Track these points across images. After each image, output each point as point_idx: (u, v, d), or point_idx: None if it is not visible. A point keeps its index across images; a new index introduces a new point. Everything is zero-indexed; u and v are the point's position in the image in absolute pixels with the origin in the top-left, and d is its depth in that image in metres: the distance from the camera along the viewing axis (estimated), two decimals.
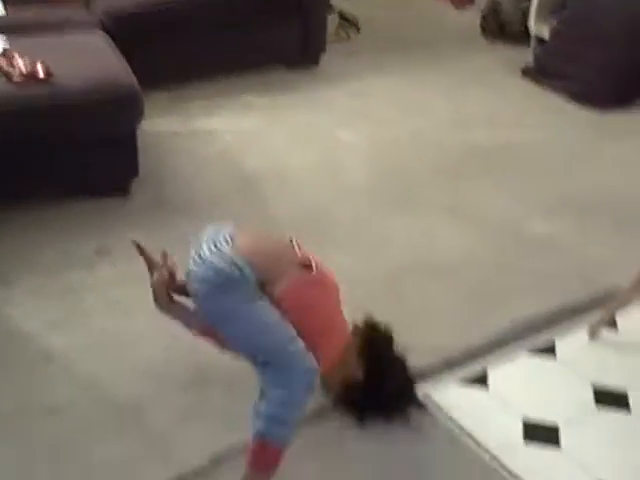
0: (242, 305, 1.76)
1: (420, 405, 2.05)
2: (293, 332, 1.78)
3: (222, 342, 1.90)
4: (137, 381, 2.14)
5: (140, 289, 2.44)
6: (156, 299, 1.92)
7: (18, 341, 2.26)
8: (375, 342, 2.03)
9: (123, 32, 3.42)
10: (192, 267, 1.82)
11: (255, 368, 1.79)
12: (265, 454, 1.74)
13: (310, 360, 1.77)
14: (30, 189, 2.84)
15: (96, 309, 2.40)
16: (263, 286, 1.80)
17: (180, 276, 1.93)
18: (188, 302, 1.92)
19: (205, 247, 1.82)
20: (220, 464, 1.90)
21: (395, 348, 2.05)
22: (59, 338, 2.27)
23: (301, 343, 1.77)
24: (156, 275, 1.92)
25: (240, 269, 1.76)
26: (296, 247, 1.92)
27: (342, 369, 1.95)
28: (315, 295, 1.88)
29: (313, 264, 1.87)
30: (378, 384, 1.98)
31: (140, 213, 2.88)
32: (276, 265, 1.84)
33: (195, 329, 1.94)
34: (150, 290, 1.92)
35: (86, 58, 2.96)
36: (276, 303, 1.79)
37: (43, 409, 2.03)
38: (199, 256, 1.81)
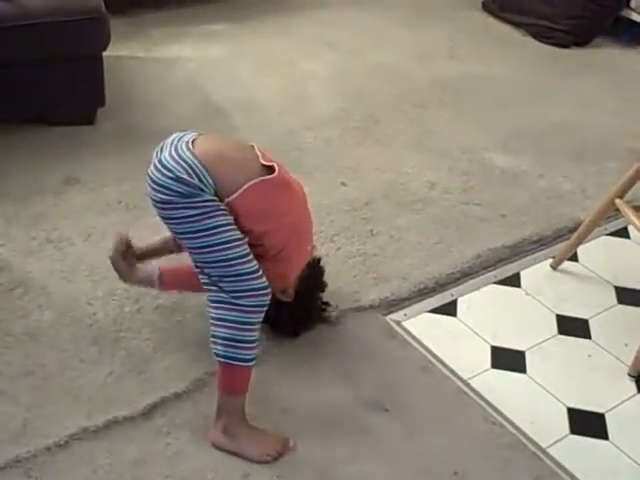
0: (198, 217, 1.73)
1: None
2: (247, 250, 1.76)
3: (190, 286, 1.95)
4: (115, 305, 2.16)
5: (112, 215, 2.48)
6: (116, 270, 1.98)
7: None
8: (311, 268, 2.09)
9: None
10: (152, 172, 1.78)
11: (207, 287, 1.80)
12: (231, 377, 1.80)
13: (262, 280, 1.78)
14: None
15: (70, 236, 2.39)
16: (223, 189, 1.76)
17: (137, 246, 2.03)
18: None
19: (166, 152, 1.78)
20: (201, 388, 1.95)
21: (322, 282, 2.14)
22: (35, 265, 2.27)
23: (254, 262, 1.77)
24: (112, 247, 1.97)
25: (198, 176, 1.72)
26: (258, 152, 1.88)
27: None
28: (279, 198, 1.86)
29: (275, 166, 1.84)
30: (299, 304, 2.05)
31: (107, 141, 2.86)
32: (238, 168, 1.80)
33: (160, 286, 1.98)
34: None
35: None
36: (236, 208, 1.77)
37: (23, 334, 2.04)
38: (159, 161, 1.77)
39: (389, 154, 2.94)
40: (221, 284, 1.77)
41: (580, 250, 2.49)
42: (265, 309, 1.81)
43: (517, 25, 4.03)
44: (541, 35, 3.93)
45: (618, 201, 2.25)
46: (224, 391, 1.82)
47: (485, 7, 4.20)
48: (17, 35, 2.62)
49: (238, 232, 1.77)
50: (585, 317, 2.28)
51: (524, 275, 2.42)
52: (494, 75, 3.59)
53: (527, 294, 2.35)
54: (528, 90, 3.49)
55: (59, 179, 2.63)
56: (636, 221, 2.17)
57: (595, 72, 3.68)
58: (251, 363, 1.80)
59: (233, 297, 1.76)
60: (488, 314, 2.27)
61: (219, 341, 1.77)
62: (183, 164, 1.74)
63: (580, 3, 3.87)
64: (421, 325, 2.20)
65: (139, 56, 3.43)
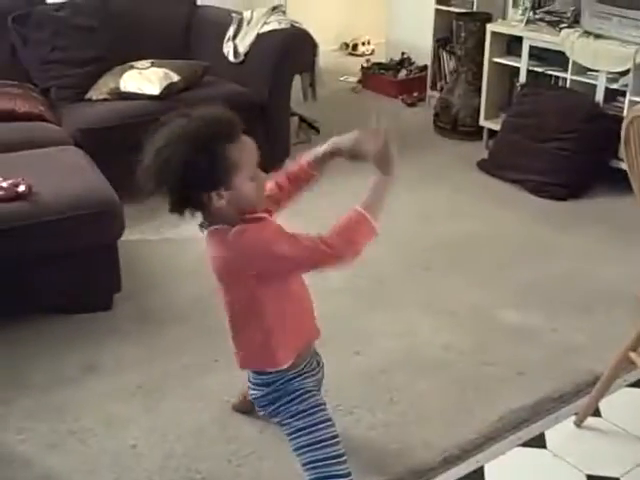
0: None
1: None
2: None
3: None
4: None
5: (132, 401, 2.50)
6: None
7: (15, 466, 2.24)
8: None
9: (94, 146, 3.50)
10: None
11: None
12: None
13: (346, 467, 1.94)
14: (11, 306, 2.85)
15: (92, 426, 2.40)
16: None
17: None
18: None
19: None
20: None
21: None
22: (57, 459, 2.26)
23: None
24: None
25: None
26: None
27: None
28: None
29: None
30: None
31: (124, 326, 2.91)
32: None
33: None
34: None
35: (65, 173, 3.02)
36: None
37: None
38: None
39: (400, 318, 2.99)
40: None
41: (602, 404, 2.48)
42: None
43: (513, 182, 4.18)
44: (537, 190, 4.07)
45: (633, 354, 2.27)
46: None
47: (480, 167, 4.37)
48: (35, 232, 2.73)
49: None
50: (616, 475, 2.24)
51: (549, 435, 2.40)
52: (495, 232, 3.69)
53: (554, 455, 2.32)
54: (530, 245, 3.58)
55: (79, 367, 2.67)
56: None
57: (593, 222, 3.79)
58: None
59: None
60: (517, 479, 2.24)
61: None
62: None
63: (569, 157, 4.04)
64: None
65: (152, 239, 3.56)
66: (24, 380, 2.60)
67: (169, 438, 2.34)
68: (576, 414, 2.45)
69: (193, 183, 1.74)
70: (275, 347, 1.91)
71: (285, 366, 1.92)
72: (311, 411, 1.93)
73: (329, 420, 1.95)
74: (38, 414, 2.45)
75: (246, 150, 1.82)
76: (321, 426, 1.92)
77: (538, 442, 2.37)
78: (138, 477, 2.20)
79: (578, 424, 2.43)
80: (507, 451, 2.33)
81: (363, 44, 6.46)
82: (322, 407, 1.96)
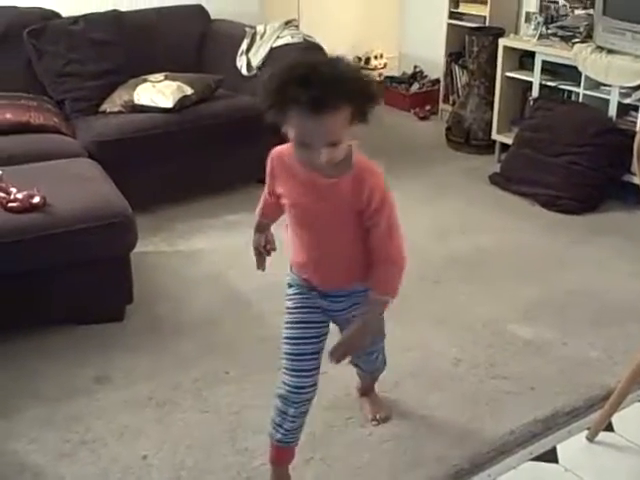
0: None
1: None
2: None
3: None
4: None
5: (143, 413, 2.50)
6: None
7: (27, 475, 2.25)
8: None
9: (107, 158, 3.53)
10: None
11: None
12: None
13: None
14: (24, 317, 2.86)
15: (103, 436, 2.40)
16: None
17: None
18: None
19: None
20: None
21: None
22: (68, 469, 2.26)
23: None
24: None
25: None
26: None
27: None
28: None
29: None
30: None
31: (135, 337, 2.92)
32: None
33: None
34: None
35: (79, 185, 3.04)
36: None
37: None
38: None
39: (413, 332, 2.98)
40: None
41: (614, 419, 2.46)
42: None
43: (525, 195, 4.18)
44: (549, 204, 4.07)
45: None
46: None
47: (492, 181, 4.37)
48: (49, 243, 2.74)
49: None
50: None
51: (560, 449, 2.38)
52: (507, 246, 3.68)
53: (566, 470, 2.30)
54: (542, 259, 3.57)
55: (90, 378, 2.67)
56: None
57: (606, 236, 3.78)
58: None
59: None
60: None
61: None
62: None
63: (582, 172, 4.03)
64: None
65: (164, 250, 3.57)
66: (35, 390, 2.61)
67: (180, 449, 2.35)
68: (588, 429, 2.44)
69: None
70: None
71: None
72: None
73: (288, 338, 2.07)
74: (49, 424, 2.45)
75: (305, 127, 1.74)
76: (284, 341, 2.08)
77: (550, 456, 2.35)
78: None
79: (590, 439, 2.42)
80: (518, 465, 2.32)
81: (376, 57, 6.46)
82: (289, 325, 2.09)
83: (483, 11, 4.94)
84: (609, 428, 2.45)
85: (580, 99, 4.25)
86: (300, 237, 2.01)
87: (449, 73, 5.33)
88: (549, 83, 4.40)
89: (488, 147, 4.77)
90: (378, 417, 2.46)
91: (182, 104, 3.90)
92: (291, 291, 2.12)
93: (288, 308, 2.10)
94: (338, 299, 2.07)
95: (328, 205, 1.90)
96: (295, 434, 2.09)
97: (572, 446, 2.40)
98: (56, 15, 4.22)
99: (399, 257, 1.96)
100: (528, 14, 4.67)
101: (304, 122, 1.72)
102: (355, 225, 1.92)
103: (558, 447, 2.39)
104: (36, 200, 2.79)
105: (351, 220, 1.91)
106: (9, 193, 2.82)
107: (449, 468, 2.27)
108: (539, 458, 2.35)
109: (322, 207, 1.90)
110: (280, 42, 4.29)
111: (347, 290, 2.05)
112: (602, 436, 2.42)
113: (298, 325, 2.06)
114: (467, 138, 4.84)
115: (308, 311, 2.07)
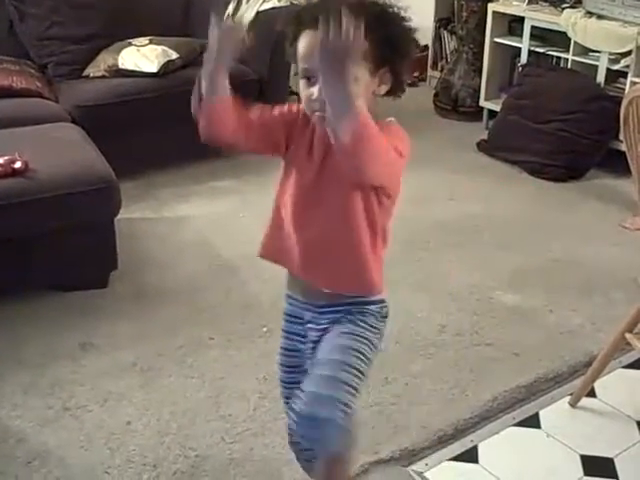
0: None
1: None
2: None
3: None
4: (132, 473, 2.14)
5: (127, 379, 2.50)
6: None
7: (10, 441, 2.24)
8: None
9: (91, 123, 3.49)
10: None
11: None
12: None
13: None
14: (8, 283, 2.84)
15: (86, 403, 2.40)
16: None
17: None
18: None
19: None
20: None
21: None
22: (52, 436, 2.26)
23: None
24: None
25: None
26: None
27: None
28: None
29: None
30: None
31: (120, 303, 2.90)
32: None
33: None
34: None
35: (62, 150, 3.01)
36: None
37: None
38: None
39: (397, 299, 2.95)
40: None
41: (597, 385, 2.48)
42: None
43: (512, 163, 4.17)
44: (536, 171, 4.06)
45: (629, 335, 2.27)
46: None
47: (480, 147, 4.35)
48: (32, 208, 2.72)
49: None
50: (610, 456, 2.24)
51: (543, 415, 2.40)
52: (494, 213, 3.68)
53: (548, 435, 2.32)
54: (528, 226, 3.57)
55: (74, 345, 2.66)
56: None
57: (593, 204, 3.78)
58: None
59: None
60: (511, 459, 2.24)
61: None
62: None
63: (570, 139, 4.02)
64: (443, 475, 2.17)
65: (149, 217, 3.55)
66: (19, 356, 2.60)
67: (164, 415, 2.35)
68: (571, 395, 2.45)
69: None
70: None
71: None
72: None
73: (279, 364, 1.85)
74: (33, 390, 2.45)
75: (307, 44, 1.53)
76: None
77: (532, 422, 2.37)
78: (132, 454, 2.20)
79: (573, 404, 2.43)
80: (501, 431, 2.33)
81: None
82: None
83: None
84: (591, 394, 2.47)
85: (569, 65, 4.22)
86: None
87: (438, 39, 5.28)
88: (538, 49, 4.36)
89: (476, 114, 4.74)
90: None
91: (167, 69, 3.85)
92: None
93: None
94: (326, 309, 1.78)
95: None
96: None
97: (555, 412, 2.42)
98: None
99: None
100: None
101: (313, 39, 1.48)
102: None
103: (541, 413, 2.41)
104: (18, 165, 2.76)
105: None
106: None
107: (431, 434, 2.28)
108: (522, 423, 2.37)
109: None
110: (267, 6, 4.22)
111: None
112: (584, 402, 2.44)
113: None
114: (455, 105, 4.81)
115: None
